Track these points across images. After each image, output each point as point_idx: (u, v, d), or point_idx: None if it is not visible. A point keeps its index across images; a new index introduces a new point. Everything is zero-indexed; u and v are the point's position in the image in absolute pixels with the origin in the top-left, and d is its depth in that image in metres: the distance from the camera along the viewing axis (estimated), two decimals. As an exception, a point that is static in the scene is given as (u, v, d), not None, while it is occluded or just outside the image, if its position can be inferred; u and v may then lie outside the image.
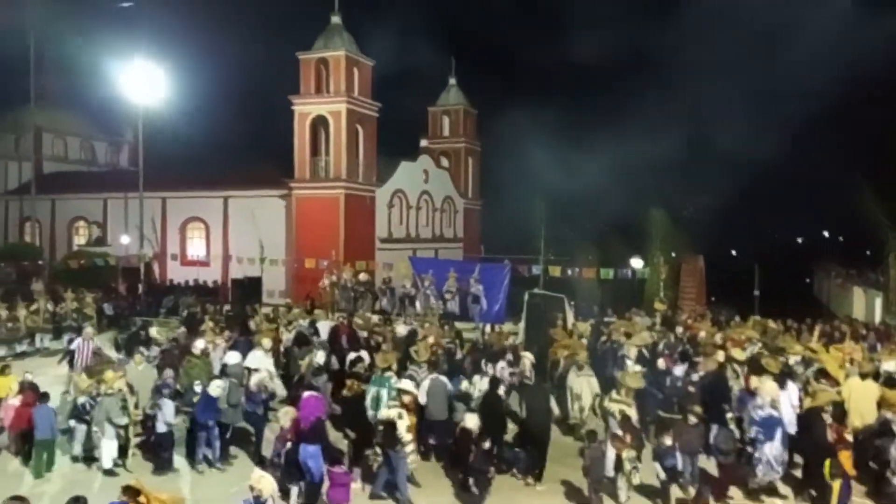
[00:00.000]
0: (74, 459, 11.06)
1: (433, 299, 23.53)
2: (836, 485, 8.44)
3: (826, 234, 69.10)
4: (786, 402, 10.66)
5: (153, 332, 16.17)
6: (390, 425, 9.75)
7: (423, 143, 41.94)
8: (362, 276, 26.38)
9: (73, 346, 14.38)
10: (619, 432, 10.09)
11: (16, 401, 11.27)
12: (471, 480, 9.43)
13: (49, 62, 38.15)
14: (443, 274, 24.36)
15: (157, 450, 10.92)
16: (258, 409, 11.47)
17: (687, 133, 54.29)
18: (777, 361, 12.36)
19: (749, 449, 10.03)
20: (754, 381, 11.42)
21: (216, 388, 10.87)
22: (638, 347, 14.32)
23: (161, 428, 10.78)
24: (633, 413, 10.51)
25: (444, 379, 11.70)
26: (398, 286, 25.34)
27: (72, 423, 11.17)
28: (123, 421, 10.71)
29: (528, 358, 13.06)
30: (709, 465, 10.41)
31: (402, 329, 16.28)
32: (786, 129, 49.38)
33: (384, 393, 11.12)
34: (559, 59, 71.81)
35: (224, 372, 12.44)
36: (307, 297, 26.06)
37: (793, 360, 13.38)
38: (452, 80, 43.30)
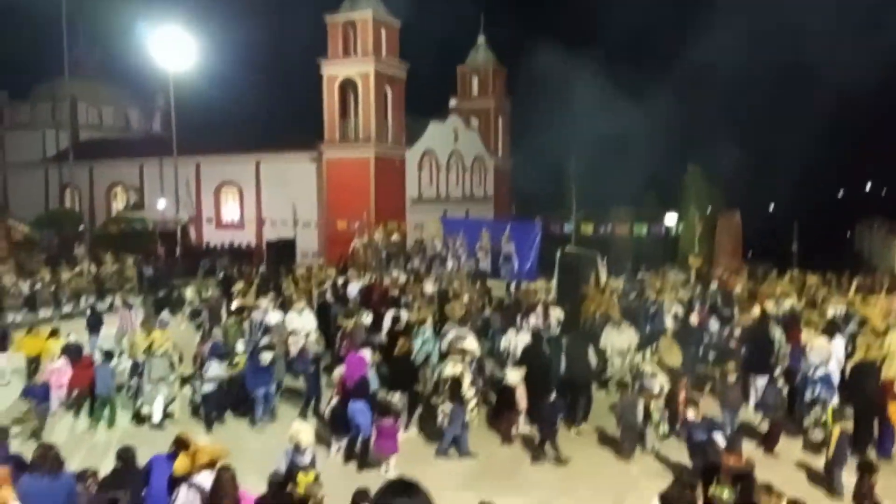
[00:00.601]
0: (133, 416, 11.51)
1: (464, 259, 23.61)
2: (837, 430, 8.52)
3: (868, 186, 66.97)
4: (834, 357, 10.59)
5: (188, 293, 16.51)
6: (456, 382, 9.92)
7: (453, 102, 41.51)
8: (394, 237, 26.55)
9: (122, 311, 14.76)
10: (656, 390, 10.14)
11: (60, 363, 11.66)
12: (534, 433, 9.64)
13: (82, 32, 38.52)
14: (474, 233, 24.39)
15: (205, 407, 11.25)
16: (309, 367, 11.65)
17: (724, 85, 52.64)
18: (818, 316, 12.18)
19: (807, 406, 9.97)
20: (804, 337, 11.31)
21: (266, 356, 11.06)
22: (677, 301, 14.23)
23: (209, 387, 11.06)
24: (664, 380, 10.45)
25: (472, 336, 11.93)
26: (429, 246, 25.45)
27: (127, 381, 11.76)
28: (171, 379, 11.24)
29: (555, 314, 13.17)
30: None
31: (430, 287, 16.39)
32: (826, 79, 47.52)
33: (416, 344, 11.69)
34: (590, 14, 69.74)
35: (266, 331, 12.81)
36: (339, 257, 26.36)
37: (831, 311, 13.16)
38: (481, 39, 42.52)
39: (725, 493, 6.32)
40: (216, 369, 11.15)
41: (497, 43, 42.91)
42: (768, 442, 9.89)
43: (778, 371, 10.95)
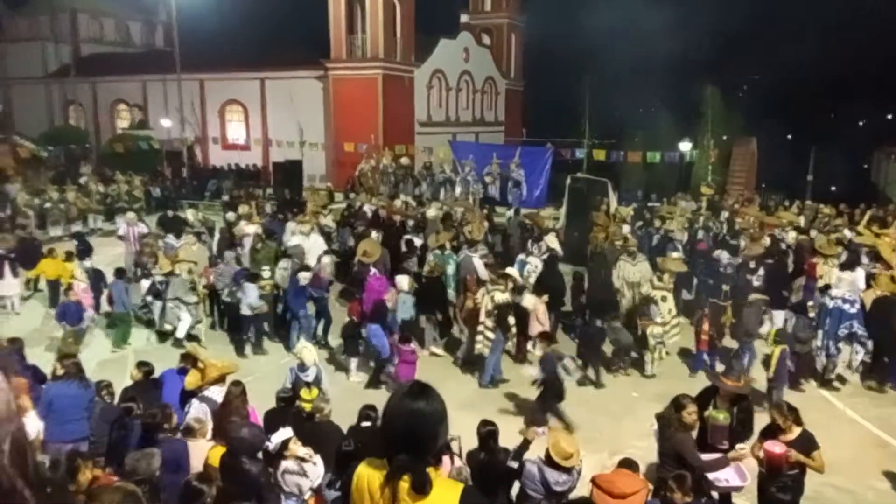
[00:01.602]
0: (156, 333, 11.75)
1: (473, 184, 23.36)
2: (777, 351, 8.71)
3: (890, 117, 65.02)
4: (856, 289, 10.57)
5: (189, 214, 16.37)
6: (503, 309, 9.84)
7: (464, 18, 39.99)
8: (402, 161, 26.20)
9: (121, 231, 14.82)
10: (658, 318, 10.19)
11: (86, 284, 11.78)
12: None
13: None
14: (483, 159, 24.01)
15: (239, 332, 11.25)
16: (324, 293, 11.64)
17: (743, 7, 50.43)
18: (832, 245, 12.09)
19: (838, 341, 9.92)
20: (821, 269, 11.27)
21: (305, 276, 11.04)
22: (683, 230, 14.12)
23: (245, 311, 10.99)
24: (671, 298, 10.52)
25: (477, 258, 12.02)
26: (438, 171, 25.13)
27: (149, 299, 11.89)
28: (193, 299, 11.38)
29: (548, 241, 13.14)
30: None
31: (433, 212, 16.26)
32: (849, 4, 45.36)
33: (449, 268, 11.97)
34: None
35: (286, 254, 12.80)
36: (347, 180, 26.13)
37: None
38: (495, -51, 40.51)
39: (721, 417, 6.38)
40: (254, 294, 10.99)
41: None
42: (796, 374, 9.88)
43: (810, 303, 10.74)
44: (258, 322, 11.22)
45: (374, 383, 9.70)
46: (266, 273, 11.58)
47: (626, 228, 14.54)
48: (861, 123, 51.48)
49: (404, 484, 2.06)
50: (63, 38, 38.90)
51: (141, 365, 7.58)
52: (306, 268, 11.45)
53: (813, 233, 14.61)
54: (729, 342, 10.68)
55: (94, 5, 42.04)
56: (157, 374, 7.61)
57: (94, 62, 39.34)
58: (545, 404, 8.28)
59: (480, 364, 10.09)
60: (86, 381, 7.10)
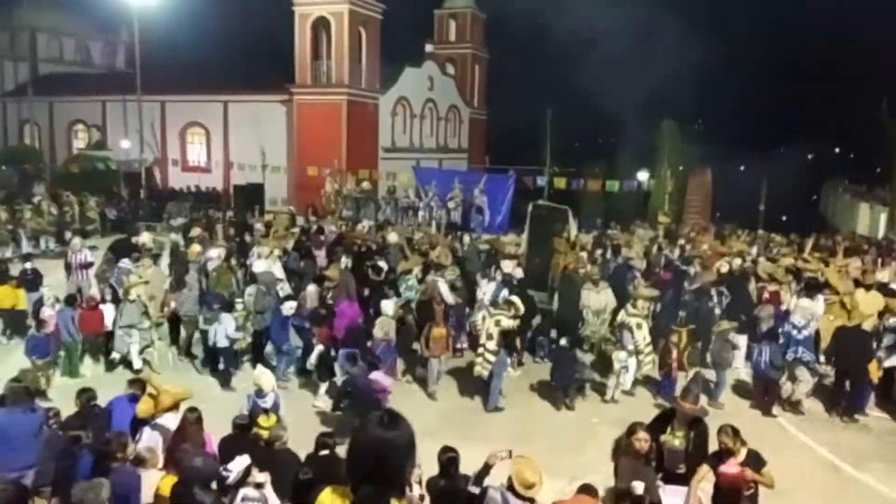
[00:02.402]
0: (108, 363, 11.20)
1: (436, 210, 23.49)
2: (693, 372, 9.44)
3: (837, 150, 67.87)
4: (814, 317, 10.85)
5: (144, 238, 15.60)
6: (510, 334, 10.19)
7: (429, 48, 40.51)
8: (365, 185, 26.23)
9: (70, 257, 14.00)
10: (630, 346, 10.33)
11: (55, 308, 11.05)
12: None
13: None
14: (446, 185, 24.22)
15: (215, 363, 10.83)
16: (304, 322, 11.10)
17: (699, 44, 52.30)
18: (782, 272, 12.52)
19: (788, 366, 10.15)
20: (783, 297, 11.64)
21: (289, 308, 10.64)
22: (642, 259, 14.40)
23: (222, 342, 10.54)
24: (645, 326, 10.62)
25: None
26: (401, 196, 25.22)
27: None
28: (146, 325, 10.96)
29: (507, 265, 13.28)
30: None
31: (394, 237, 16.27)
32: (800, 42, 47.52)
33: (406, 294, 12.23)
34: (572, -39, 68.09)
35: (254, 279, 12.35)
36: (309, 205, 26.01)
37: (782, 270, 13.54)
38: (460, -19, 41.33)
39: (677, 441, 6.47)
40: (232, 324, 10.62)
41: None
42: (768, 401, 10.13)
43: (782, 330, 10.74)
44: (233, 354, 10.79)
45: (336, 407, 9.55)
46: (239, 302, 11.22)
47: (583, 256, 14.75)
48: (810, 157, 53.56)
49: None
50: (21, 56, 38.08)
51: (82, 392, 7.25)
52: (292, 297, 11.08)
53: (760, 259, 15.03)
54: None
55: (54, 25, 41.35)
56: (105, 402, 7.35)
57: (52, 81, 38.57)
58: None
59: (481, 388, 10.25)
60: (33, 406, 6.78)
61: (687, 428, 6.51)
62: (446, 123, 40.36)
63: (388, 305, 10.75)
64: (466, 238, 18.19)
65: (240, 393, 8.94)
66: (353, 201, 25.25)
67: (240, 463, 5.26)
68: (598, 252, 16.35)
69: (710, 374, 10.60)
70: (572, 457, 8.43)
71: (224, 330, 10.53)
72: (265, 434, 6.67)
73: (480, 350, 10.02)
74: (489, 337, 9.93)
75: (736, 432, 6.03)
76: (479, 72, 43.46)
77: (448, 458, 5.67)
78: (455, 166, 36.47)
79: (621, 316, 10.77)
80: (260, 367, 8.82)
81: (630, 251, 15.18)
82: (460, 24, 41.66)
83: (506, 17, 42.09)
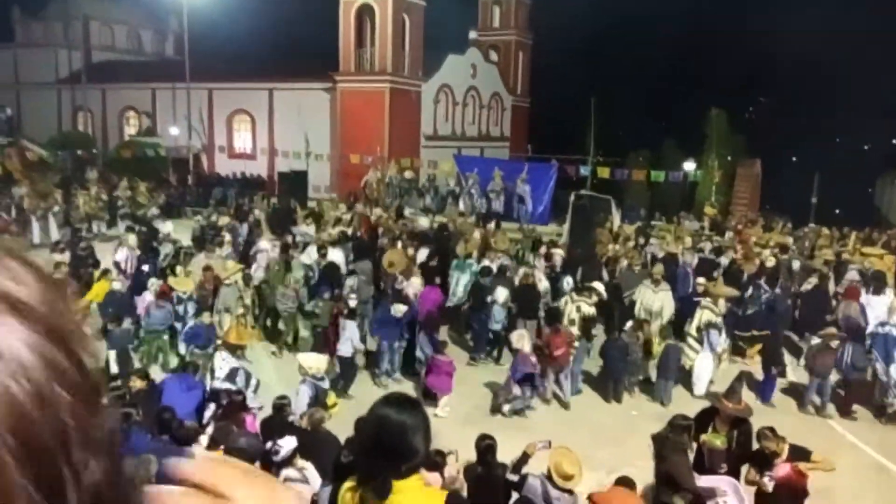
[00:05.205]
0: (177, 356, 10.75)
1: (477, 198, 23.43)
2: (664, 345, 9.70)
3: (895, 142, 65.09)
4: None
5: (167, 228, 15.28)
6: (589, 321, 10.33)
7: (472, 35, 40.25)
8: (407, 174, 26.31)
9: (118, 256, 13.28)
10: (719, 348, 10.17)
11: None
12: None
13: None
14: (488, 173, 24.08)
15: (348, 370, 9.92)
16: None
17: (751, 31, 50.71)
18: (822, 262, 12.22)
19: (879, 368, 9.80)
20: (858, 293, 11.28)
21: (399, 308, 10.13)
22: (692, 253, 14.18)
23: (346, 351, 9.70)
24: (720, 322, 10.37)
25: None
26: (442, 184, 25.23)
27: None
28: (239, 311, 10.76)
29: (558, 254, 13.25)
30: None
31: (424, 222, 16.28)
32: (857, 28, 45.60)
33: (464, 277, 12.30)
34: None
35: (331, 270, 11.97)
36: (351, 192, 26.24)
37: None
38: (505, -33, 40.87)
39: (718, 441, 6.34)
40: (356, 333, 9.86)
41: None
42: (848, 402, 9.84)
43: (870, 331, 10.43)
44: (353, 365, 9.90)
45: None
46: (353, 301, 10.41)
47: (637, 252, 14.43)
48: (866, 147, 51.57)
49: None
50: (75, 44, 39.26)
51: (136, 372, 7.57)
52: (400, 298, 10.40)
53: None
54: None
55: (106, 13, 42.48)
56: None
57: (104, 69, 39.67)
58: None
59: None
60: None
61: (731, 427, 6.38)
62: (488, 111, 40.10)
63: (502, 293, 10.89)
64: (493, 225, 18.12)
65: (358, 400, 8.54)
66: (395, 189, 25.36)
67: (289, 442, 5.39)
68: (640, 242, 16.06)
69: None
70: (611, 448, 8.36)
71: (349, 338, 9.72)
72: (332, 412, 6.80)
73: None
74: (571, 322, 10.00)
75: (774, 432, 5.89)
76: (522, 59, 42.96)
77: (486, 446, 5.70)
78: (497, 155, 36.26)
79: (707, 315, 10.22)
80: (311, 355, 8.62)
81: (672, 245, 14.80)
82: (504, 10, 41.20)
83: (551, 2, 41.31)
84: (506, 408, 9.26)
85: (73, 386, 0.38)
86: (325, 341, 10.16)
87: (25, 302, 0.38)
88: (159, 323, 10.17)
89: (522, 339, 9.26)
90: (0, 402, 0.35)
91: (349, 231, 15.96)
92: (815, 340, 10.68)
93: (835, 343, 9.77)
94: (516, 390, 9.18)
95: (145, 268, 12.51)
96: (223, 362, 7.78)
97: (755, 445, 6.27)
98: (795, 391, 10.56)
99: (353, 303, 10.35)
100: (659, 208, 25.14)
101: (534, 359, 9.16)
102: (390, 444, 2.02)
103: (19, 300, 0.38)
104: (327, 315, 10.37)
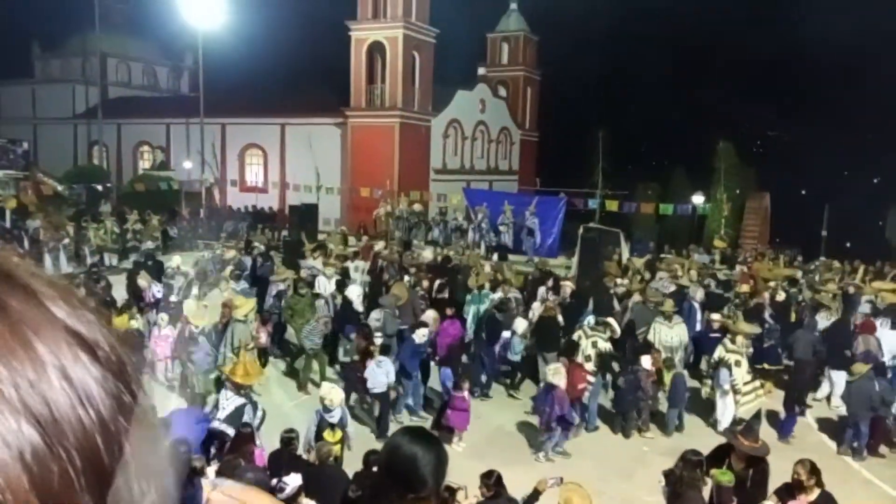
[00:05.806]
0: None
1: (486, 231, 23.51)
2: (670, 376, 9.69)
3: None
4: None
5: (175, 261, 14.87)
6: (606, 357, 10.32)
7: (481, 71, 40.90)
8: (416, 207, 26.48)
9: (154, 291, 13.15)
10: (727, 385, 9.92)
11: (168, 331, 10.69)
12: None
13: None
14: (497, 206, 24.20)
15: (383, 409, 9.48)
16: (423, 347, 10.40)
17: (759, 64, 51.24)
18: (829, 297, 12.16)
19: None
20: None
21: (422, 335, 10.00)
22: (698, 285, 14.10)
23: (380, 387, 9.32)
24: (745, 363, 10.17)
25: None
26: (451, 217, 25.36)
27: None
28: (250, 346, 10.39)
29: (568, 286, 13.24)
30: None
31: (428, 254, 16.35)
32: (867, 63, 45.98)
33: (481, 308, 12.38)
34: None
35: (347, 304, 11.94)
36: (360, 225, 26.42)
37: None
38: (513, 5, 41.66)
39: (726, 478, 6.22)
40: (391, 369, 9.44)
41: (529, 10, 42.05)
42: (878, 441, 9.58)
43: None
44: (389, 400, 9.49)
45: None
46: (310, 325, 10.46)
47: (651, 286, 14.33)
48: (875, 181, 51.51)
49: None
50: (93, 80, 40.19)
51: None
52: (424, 323, 10.27)
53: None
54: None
55: (123, 50, 43.54)
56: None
57: (120, 104, 40.50)
58: None
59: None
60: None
61: (746, 465, 6.27)
62: (497, 145, 40.49)
63: (521, 324, 10.96)
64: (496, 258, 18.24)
65: (293, 407, 9.00)
66: (404, 222, 25.52)
67: (294, 479, 5.36)
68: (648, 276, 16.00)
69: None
70: (621, 485, 8.25)
71: (384, 374, 9.40)
72: (330, 445, 6.75)
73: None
74: (587, 358, 9.93)
75: (815, 471, 5.71)
76: (530, 93, 43.54)
77: (496, 478, 5.70)
78: (505, 188, 36.47)
79: (719, 352, 10.09)
80: (326, 383, 8.63)
81: (683, 278, 14.75)
82: (513, 46, 41.91)
83: (558, 38, 42.09)
84: (549, 446, 9.07)
85: (133, 417, 0.42)
86: (355, 378, 9.91)
87: (101, 346, 0.43)
88: (207, 364, 9.90)
89: (558, 373, 8.82)
90: (68, 425, 0.39)
91: (365, 265, 15.95)
92: (836, 375, 10.56)
93: (870, 379, 9.43)
94: (555, 428, 9.01)
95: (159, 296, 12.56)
96: (227, 401, 7.73)
97: (772, 486, 6.15)
98: (811, 426, 10.41)
99: (381, 338, 10.21)
100: (668, 241, 25.12)
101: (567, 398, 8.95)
102: (398, 473, 2.02)
103: (97, 343, 0.42)
104: (356, 352, 10.11)
